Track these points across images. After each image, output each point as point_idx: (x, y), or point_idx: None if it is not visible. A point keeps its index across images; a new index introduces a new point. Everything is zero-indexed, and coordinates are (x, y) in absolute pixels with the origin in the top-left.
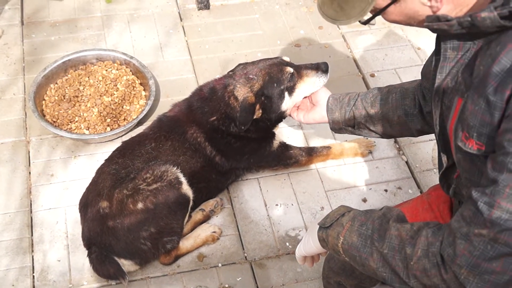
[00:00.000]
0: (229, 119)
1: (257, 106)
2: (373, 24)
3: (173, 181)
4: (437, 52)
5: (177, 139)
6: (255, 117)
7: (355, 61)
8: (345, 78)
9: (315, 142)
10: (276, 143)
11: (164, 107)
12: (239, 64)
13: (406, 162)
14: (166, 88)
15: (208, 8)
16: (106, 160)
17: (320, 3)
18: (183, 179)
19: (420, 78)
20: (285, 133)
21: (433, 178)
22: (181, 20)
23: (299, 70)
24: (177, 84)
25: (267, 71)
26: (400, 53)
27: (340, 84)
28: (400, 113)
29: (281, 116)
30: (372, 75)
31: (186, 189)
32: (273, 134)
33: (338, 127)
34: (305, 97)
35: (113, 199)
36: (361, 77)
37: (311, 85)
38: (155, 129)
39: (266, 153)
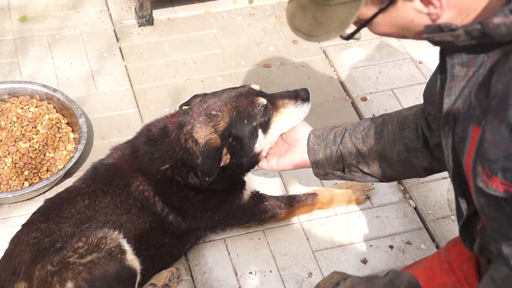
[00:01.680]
0: (187, 167)
1: (224, 150)
2: (358, 39)
3: (114, 250)
4: (442, 69)
5: (119, 193)
6: (222, 164)
7: (341, 82)
8: (330, 104)
9: (297, 189)
10: (247, 194)
11: (99, 152)
12: (195, 96)
13: (415, 208)
14: (101, 127)
15: (152, 24)
16: (23, 225)
17: (290, 16)
18: (127, 247)
19: (422, 101)
20: (257, 179)
21: (452, 228)
22: (117, 40)
23: (274, 101)
24: (115, 122)
25: (234, 104)
26: (397, 70)
27: (323, 112)
28: (400, 148)
29: (254, 161)
30: (364, 99)
31: (132, 259)
32: (243, 183)
33: (323, 171)
34: (281, 135)
35: (34, 279)
36: (350, 102)
37: (290, 118)
38: (89, 182)
39: (234, 208)
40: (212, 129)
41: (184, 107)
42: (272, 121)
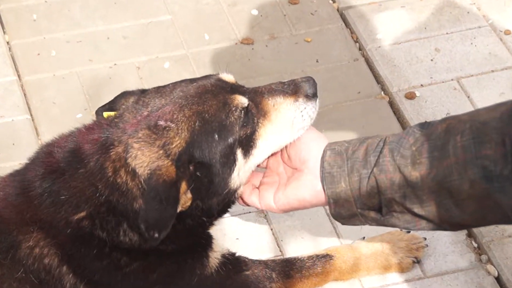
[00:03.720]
0: (117, 217)
1: (183, 186)
2: None
3: None
4: None
5: None
6: (179, 209)
7: (371, 69)
8: (353, 104)
9: (298, 246)
10: (215, 258)
11: None
12: (125, 94)
13: (497, 278)
14: None
15: None
16: None
17: None
18: None
19: None
20: (231, 228)
21: None
22: None
23: (260, 100)
24: None
25: (195, 108)
26: (467, 45)
27: (343, 118)
28: (476, 174)
29: (229, 201)
30: (411, 96)
31: None
32: (208, 239)
33: (347, 212)
34: (274, 155)
35: None
36: (386, 101)
37: (287, 127)
38: None
39: (194, 282)
40: (161, 151)
41: (106, 114)
42: (259, 135)
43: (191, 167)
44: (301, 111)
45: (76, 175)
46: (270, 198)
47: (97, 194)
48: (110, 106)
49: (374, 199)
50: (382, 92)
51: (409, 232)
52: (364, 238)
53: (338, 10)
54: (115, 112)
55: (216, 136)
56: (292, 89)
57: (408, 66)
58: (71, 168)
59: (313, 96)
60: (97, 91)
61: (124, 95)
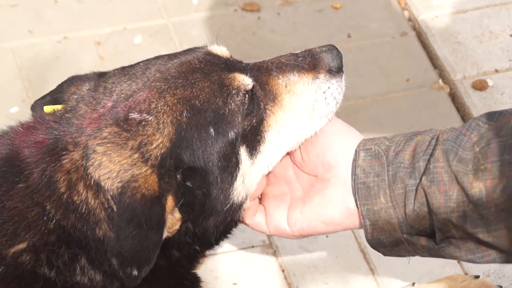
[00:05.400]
0: (72, 248)
1: (169, 201)
2: None
3: None
4: None
5: None
6: (165, 235)
7: (425, 46)
8: (399, 96)
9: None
10: None
11: None
12: (74, 79)
13: None
14: None
15: None
16: None
17: None
18: None
19: None
20: (227, 268)
21: None
22: None
23: (266, 78)
24: None
25: (181, 93)
26: None
27: (384, 114)
28: None
29: (230, 222)
30: (480, 85)
31: None
32: (196, 282)
33: (389, 238)
34: (288, 154)
35: None
36: (446, 92)
37: (306, 114)
38: None
39: None
40: (136, 155)
41: (48, 108)
42: (268, 125)
43: (178, 175)
44: (324, 92)
45: (13, 192)
46: (282, 218)
47: (44, 218)
48: (53, 97)
49: (424, 221)
50: (441, 80)
51: (477, 277)
52: (414, 284)
53: None
54: (62, 105)
55: (212, 130)
56: (309, 62)
57: (478, 44)
58: (5, 182)
59: (337, 70)
60: (40, 75)
61: (74, 81)
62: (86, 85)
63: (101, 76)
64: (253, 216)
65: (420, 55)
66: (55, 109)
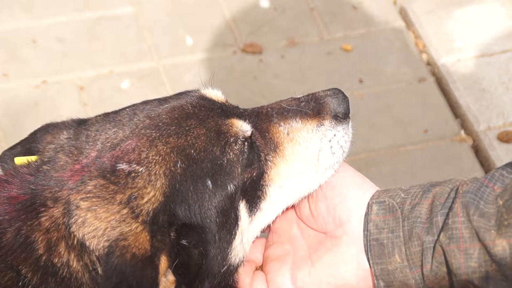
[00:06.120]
0: None
1: (163, 263)
2: None
3: None
4: None
5: None
6: None
7: (446, 94)
8: (417, 149)
9: None
10: None
11: None
12: (49, 126)
13: None
14: None
15: None
16: None
17: None
18: None
19: None
20: None
21: None
22: None
23: (266, 125)
24: None
25: (175, 142)
26: None
27: (400, 168)
28: None
29: (226, 285)
30: (507, 137)
31: None
32: None
33: None
34: (293, 208)
35: None
36: (469, 144)
37: (310, 166)
38: None
39: None
40: (125, 211)
41: (19, 160)
42: (269, 179)
43: (172, 233)
44: (329, 140)
45: None
46: (285, 282)
47: (19, 284)
48: (25, 147)
49: (444, 282)
50: (463, 131)
51: None
52: None
53: (395, 3)
54: (37, 156)
55: (209, 182)
56: (313, 107)
57: (504, 92)
58: None
59: (344, 116)
60: (14, 123)
61: (49, 129)
62: (64, 133)
63: (80, 123)
64: (252, 283)
65: (439, 103)
66: (29, 161)
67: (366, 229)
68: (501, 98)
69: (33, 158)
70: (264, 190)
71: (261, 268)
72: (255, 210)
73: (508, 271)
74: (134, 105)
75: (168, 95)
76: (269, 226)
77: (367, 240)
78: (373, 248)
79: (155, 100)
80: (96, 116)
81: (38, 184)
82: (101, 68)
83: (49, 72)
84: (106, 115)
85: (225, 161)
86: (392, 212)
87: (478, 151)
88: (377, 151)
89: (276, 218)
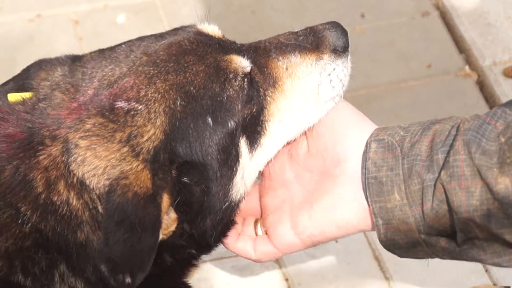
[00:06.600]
0: (50, 253)
1: (165, 200)
2: None
3: None
4: None
5: None
6: (161, 237)
7: (450, 28)
8: (420, 84)
9: None
10: None
11: None
12: (43, 62)
13: None
14: None
15: None
16: None
17: None
18: None
19: None
20: (222, 279)
21: None
22: None
23: (264, 60)
24: None
25: (173, 78)
26: None
27: (402, 104)
28: None
29: (228, 222)
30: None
31: None
32: None
33: (405, 239)
34: (288, 144)
35: None
36: (473, 79)
37: (309, 100)
38: None
39: None
40: (126, 149)
41: (13, 96)
42: (269, 114)
43: (174, 171)
44: (329, 74)
45: None
46: (286, 230)
47: (18, 221)
48: (18, 83)
49: (444, 220)
50: (467, 67)
51: (508, 287)
52: None
53: None
54: (31, 93)
55: (210, 119)
56: (312, 41)
57: (510, 26)
58: None
59: (343, 50)
60: (9, 58)
61: (42, 65)
62: (58, 70)
63: (74, 60)
64: (236, 241)
65: (443, 37)
66: (24, 98)
67: (364, 167)
68: (507, 33)
69: (27, 94)
70: (264, 125)
71: (260, 220)
72: (256, 145)
73: (510, 209)
74: (129, 41)
75: (164, 31)
76: (261, 173)
77: (365, 178)
78: (372, 186)
79: (151, 36)
80: (90, 53)
81: (35, 122)
82: (96, 1)
83: (44, 6)
84: (101, 51)
85: (225, 97)
86: (391, 150)
87: (483, 86)
88: (379, 86)
89: (268, 162)
